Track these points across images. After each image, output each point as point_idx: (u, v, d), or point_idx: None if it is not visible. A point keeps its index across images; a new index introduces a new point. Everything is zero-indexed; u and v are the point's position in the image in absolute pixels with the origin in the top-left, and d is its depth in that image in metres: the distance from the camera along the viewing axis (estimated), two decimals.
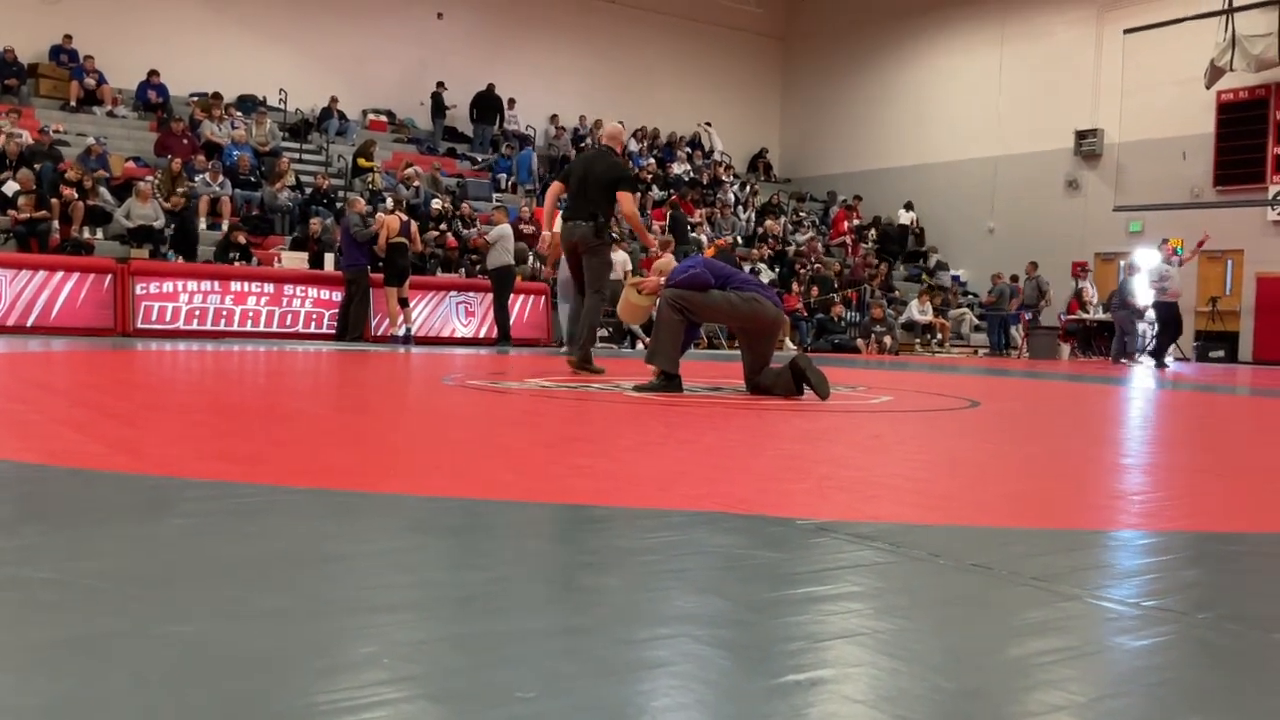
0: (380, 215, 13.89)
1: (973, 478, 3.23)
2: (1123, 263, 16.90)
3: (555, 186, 8.14)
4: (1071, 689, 1.30)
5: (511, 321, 14.43)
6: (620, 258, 13.56)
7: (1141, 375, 12.46)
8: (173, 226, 14.27)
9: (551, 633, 1.46)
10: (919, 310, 20.03)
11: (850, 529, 2.25)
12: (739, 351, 6.50)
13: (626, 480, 2.86)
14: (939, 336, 20.03)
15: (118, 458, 2.93)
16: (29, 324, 11.91)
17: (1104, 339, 18.87)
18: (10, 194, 13.40)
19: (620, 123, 9.21)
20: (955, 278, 22.96)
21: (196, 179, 15.60)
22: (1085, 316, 19.71)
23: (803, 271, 20.29)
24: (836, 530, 2.23)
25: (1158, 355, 15.57)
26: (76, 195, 13.65)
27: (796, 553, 2.04)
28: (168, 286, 12.72)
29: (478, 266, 15.65)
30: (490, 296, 14.48)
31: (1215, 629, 1.60)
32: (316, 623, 1.45)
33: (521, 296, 15.37)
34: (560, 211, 8.45)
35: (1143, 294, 16.29)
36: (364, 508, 2.36)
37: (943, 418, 5.29)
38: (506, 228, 14.17)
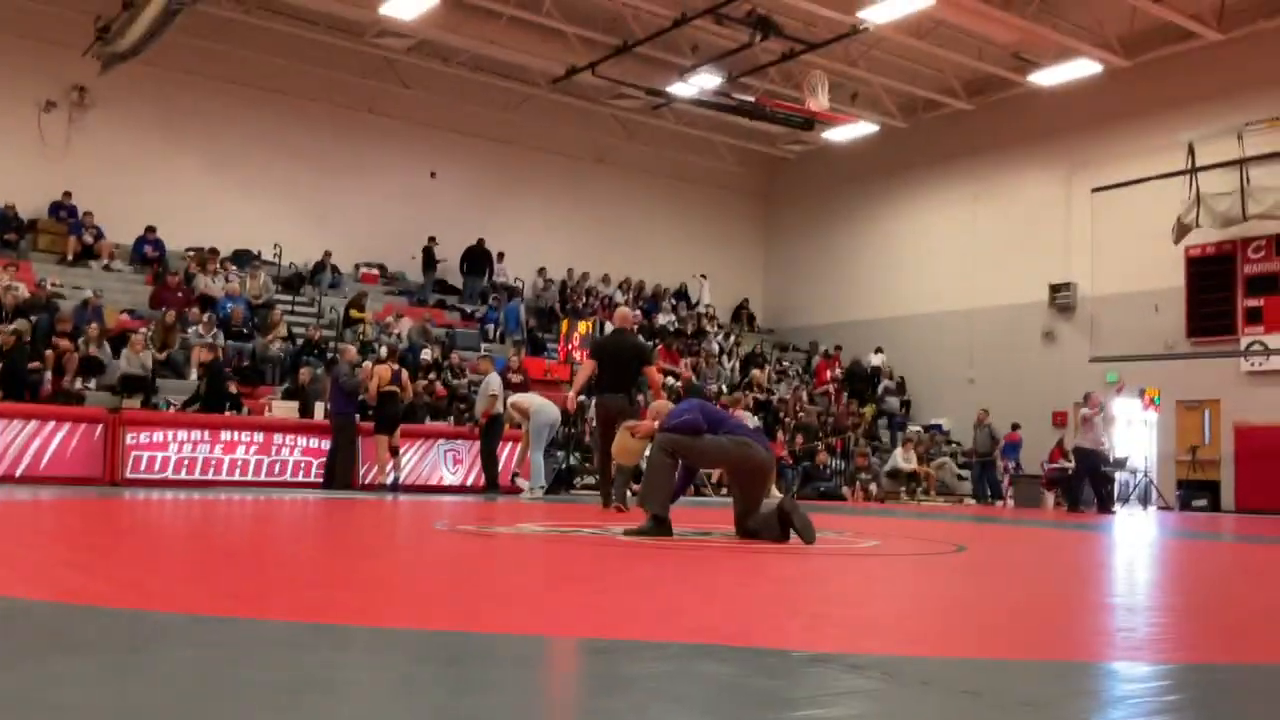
0: (368, 365, 14.07)
1: (961, 615, 3.30)
2: (1084, 412, 17.18)
3: (589, 365, 9.77)
4: None
5: (500, 468, 14.48)
6: (494, 380, 14.13)
7: (1120, 523, 12.53)
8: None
9: None
10: (903, 458, 20.17)
11: (843, 660, 2.33)
12: (728, 497, 6.58)
13: (624, 616, 2.93)
14: (924, 485, 20.12)
15: (125, 596, 2.99)
16: (17, 474, 11.91)
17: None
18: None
19: (623, 303, 10.04)
20: (937, 426, 23.18)
21: (190, 330, 15.83)
22: (1067, 465, 19.86)
23: (787, 420, 20.48)
24: (830, 661, 2.31)
25: (1107, 502, 16.08)
26: (71, 347, 13.84)
27: (792, 680, 2.11)
28: (158, 436, 12.78)
29: (466, 415, 15.78)
30: (478, 445, 14.56)
31: None
32: None
33: (509, 444, 15.45)
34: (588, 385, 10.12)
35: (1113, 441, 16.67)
36: (369, 641, 2.43)
37: (930, 561, 5.37)
38: (494, 377, 14.36)
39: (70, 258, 17.73)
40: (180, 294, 16.93)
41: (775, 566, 4.66)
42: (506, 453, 14.97)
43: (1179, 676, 2.36)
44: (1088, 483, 16.90)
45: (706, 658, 2.30)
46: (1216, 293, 19.85)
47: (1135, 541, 8.65)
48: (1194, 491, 19.73)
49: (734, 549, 5.50)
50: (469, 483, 14.92)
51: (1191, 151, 19.12)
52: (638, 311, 23.32)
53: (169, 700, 1.73)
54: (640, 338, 10.20)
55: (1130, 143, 20.90)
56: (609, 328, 11.36)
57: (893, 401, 24.04)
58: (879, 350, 24.91)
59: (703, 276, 26.24)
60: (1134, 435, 21.15)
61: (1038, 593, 4.08)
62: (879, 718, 1.81)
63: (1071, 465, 17.79)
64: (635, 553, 5.09)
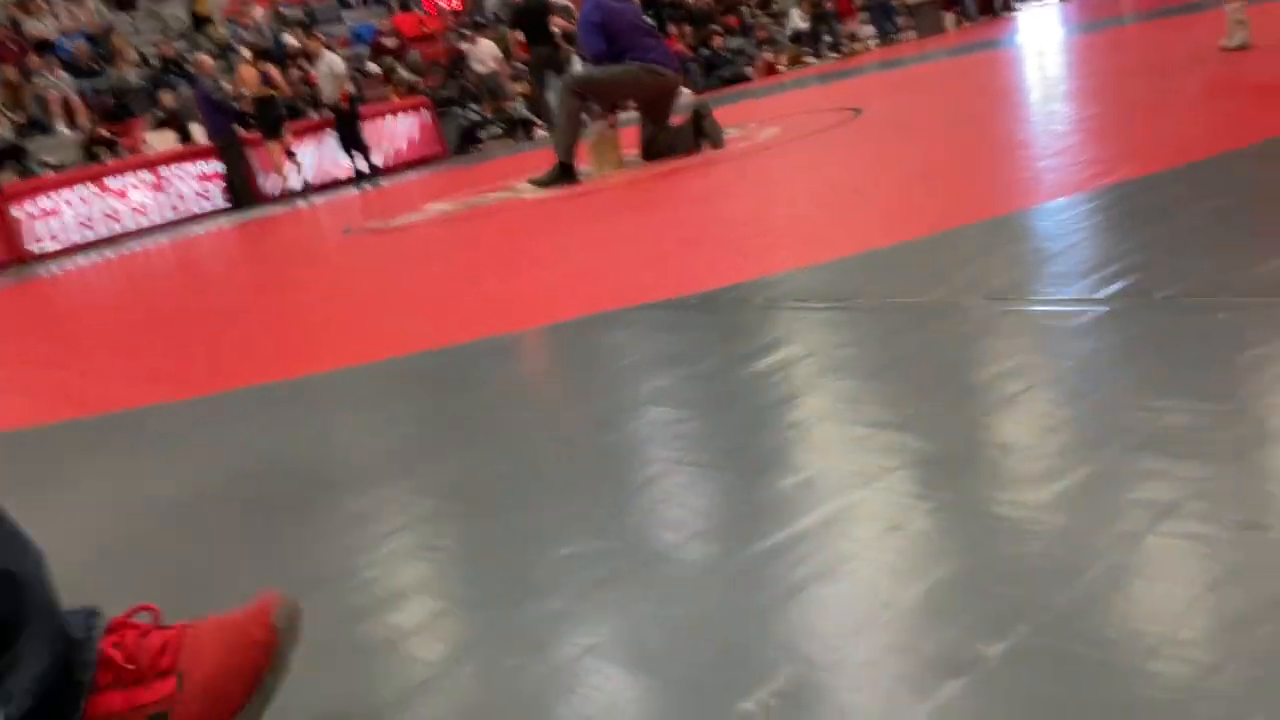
0: (242, 69, 13.07)
1: (861, 200, 3.39)
2: None
3: (515, 33, 12.57)
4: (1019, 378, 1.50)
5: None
6: (332, 60, 13.02)
7: (1020, 28, 12.50)
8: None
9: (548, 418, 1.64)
10: (800, 18, 19.68)
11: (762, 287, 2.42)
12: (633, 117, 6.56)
13: (561, 293, 2.99)
14: (829, 39, 19.67)
15: (101, 397, 3.02)
16: None
17: None
18: None
19: None
20: None
21: (38, 81, 14.78)
22: None
23: (674, 10, 19.75)
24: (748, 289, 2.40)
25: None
26: None
27: (725, 316, 2.21)
28: (45, 203, 12.28)
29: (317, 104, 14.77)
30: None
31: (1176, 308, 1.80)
32: None
33: (401, 114, 15.00)
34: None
35: None
36: (346, 380, 2.48)
37: (828, 138, 5.40)
38: (331, 56, 13.10)
39: None
40: (15, 45, 15.63)
41: (680, 192, 4.71)
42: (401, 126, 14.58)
43: (1103, 197, 2.48)
44: None
45: (659, 312, 2.40)
46: None
47: (1037, 50, 8.65)
48: None
49: (642, 183, 5.47)
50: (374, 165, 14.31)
51: None
52: None
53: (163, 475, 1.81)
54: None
55: None
56: None
57: None
58: None
59: None
60: None
61: (944, 145, 4.15)
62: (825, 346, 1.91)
63: None
64: (545, 214, 5.09)
